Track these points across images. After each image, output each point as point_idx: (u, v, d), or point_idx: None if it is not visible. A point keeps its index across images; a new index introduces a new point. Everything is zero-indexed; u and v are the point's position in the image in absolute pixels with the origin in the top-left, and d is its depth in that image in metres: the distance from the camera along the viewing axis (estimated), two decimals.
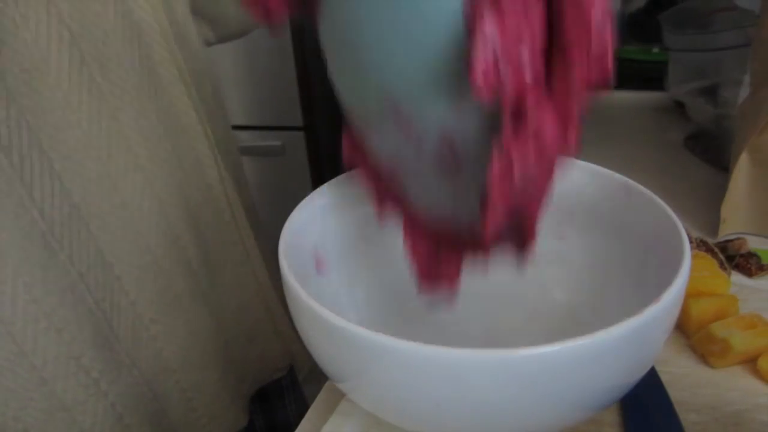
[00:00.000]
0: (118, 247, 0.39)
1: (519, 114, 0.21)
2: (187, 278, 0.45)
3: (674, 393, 0.32)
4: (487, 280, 0.31)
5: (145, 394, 0.43)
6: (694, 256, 0.31)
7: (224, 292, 0.49)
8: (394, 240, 0.31)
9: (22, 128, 0.34)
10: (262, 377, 0.56)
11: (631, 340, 0.22)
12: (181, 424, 0.47)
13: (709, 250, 0.43)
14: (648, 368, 0.26)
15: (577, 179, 0.33)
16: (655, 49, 0.92)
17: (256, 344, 0.54)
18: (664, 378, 0.33)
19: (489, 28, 0.20)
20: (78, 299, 0.38)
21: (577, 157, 0.35)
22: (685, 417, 0.31)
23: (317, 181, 1.60)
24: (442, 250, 0.29)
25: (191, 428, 0.47)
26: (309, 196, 0.33)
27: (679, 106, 0.74)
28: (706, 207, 0.51)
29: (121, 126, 0.39)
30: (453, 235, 0.28)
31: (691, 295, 0.36)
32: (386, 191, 0.30)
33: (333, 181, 0.35)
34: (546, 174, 0.23)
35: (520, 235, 0.26)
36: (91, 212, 0.38)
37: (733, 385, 0.33)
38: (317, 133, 1.61)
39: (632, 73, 0.93)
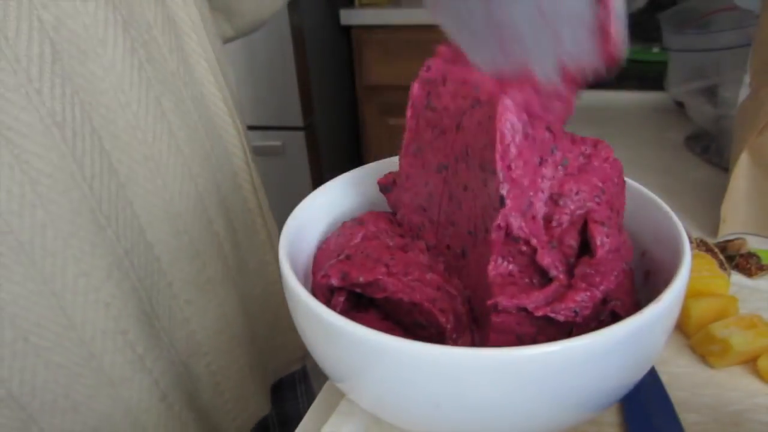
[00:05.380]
0: (158, 228, 0.40)
1: None
2: (219, 262, 0.46)
3: (674, 393, 0.32)
4: None
5: (183, 374, 0.44)
6: (694, 256, 0.31)
7: (250, 278, 0.50)
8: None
9: (75, 106, 0.35)
10: (282, 367, 0.57)
11: (631, 340, 0.22)
12: (210, 407, 0.48)
13: (709, 250, 0.43)
14: (648, 368, 0.26)
15: None
16: (655, 49, 0.92)
17: (277, 333, 0.55)
18: (664, 378, 0.33)
19: None
20: (123, 275, 0.38)
21: None
22: (685, 417, 0.31)
23: (317, 181, 1.60)
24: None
25: (219, 412, 0.49)
26: (309, 195, 0.33)
27: (679, 106, 0.74)
28: (706, 207, 0.51)
29: (164, 110, 0.40)
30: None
31: (691, 295, 0.36)
32: None
33: (333, 181, 0.35)
34: None
35: None
36: (135, 192, 0.39)
37: (733, 385, 0.33)
38: (317, 133, 1.61)
39: (632, 73, 0.93)
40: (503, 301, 0.24)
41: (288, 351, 0.57)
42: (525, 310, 0.25)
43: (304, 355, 0.59)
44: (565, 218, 0.27)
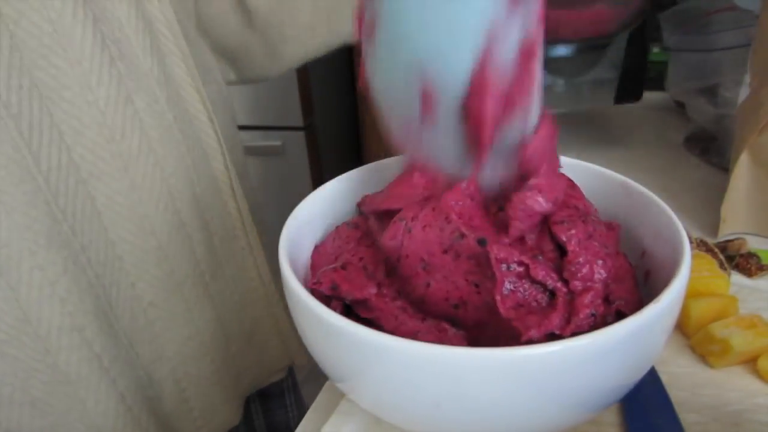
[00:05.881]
0: (123, 227, 0.40)
1: None
2: (191, 266, 0.45)
3: (674, 393, 0.32)
4: None
5: (143, 378, 0.43)
6: (694, 256, 0.31)
7: (226, 284, 0.49)
8: None
9: (33, 99, 0.35)
10: (261, 379, 0.56)
11: (631, 340, 0.22)
12: (173, 414, 0.47)
13: (709, 250, 0.43)
14: (648, 368, 0.26)
15: (577, 179, 0.33)
16: (655, 49, 0.92)
17: (255, 342, 0.53)
18: (664, 378, 0.33)
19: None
20: (80, 271, 0.38)
21: (578, 158, 0.35)
22: (685, 417, 0.31)
23: (317, 181, 1.60)
24: None
25: (183, 420, 0.47)
26: (309, 195, 0.33)
27: (679, 106, 0.74)
28: (706, 207, 0.51)
29: (137, 109, 0.39)
30: None
31: (691, 295, 0.36)
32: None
33: (333, 181, 0.35)
34: None
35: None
36: (98, 189, 0.38)
37: (733, 385, 0.33)
38: (317, 133, 1.61)
39: None
40: (535, 334, 0.24)
41: (267, 362, 0.55)
42: (552, 333, 0.25)
43: (288, 365, 0.57)
44: (531, 230, 0.27)
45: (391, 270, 0.28)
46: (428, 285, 0.27)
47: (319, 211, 0.34)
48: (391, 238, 0.28)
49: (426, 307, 0.27)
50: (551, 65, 0.58)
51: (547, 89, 0.56)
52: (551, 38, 0.52)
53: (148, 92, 0.40)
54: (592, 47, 0.58)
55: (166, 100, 0.42)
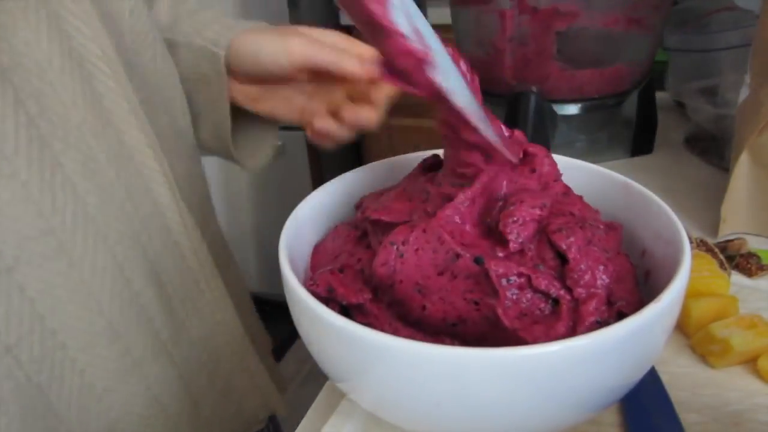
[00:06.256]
0: (64, 312, 0.35)
1: None
2: (149, 339, 0.40)
3: (674, 393, 0.32)
4: None
5: None
6: (694, 256, 0.31)
7: (192, 348, 0.44)
8: None
9: None
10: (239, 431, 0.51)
11: (631, 340, 0.22)
12: None
13: (709, 250, 0.43)
14: (648, 368, 0.26)
15: (577, 179, 0.33)
16: None
17: (231, 399, 0.49)
18: (664, 378, 0.33)
19: None
20: (4, 375, 0.33)
21: (578, 157, 0.35)
22: (685, 417, 0.31)
23: (317, 181, 1.60)
24: None
25: None
26: (309, 195, 0.33)
27: (679, 106, 0.74)
28: (706, 207, 0.51)
29: (67, 172, 0.34)
30: None
31: (691, 295, 0.36)
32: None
33: (333, 181, 0.35)
34: None
35: None
36: (28, 275, 0.33)
37: (733, 385, 0.33)
38: None
39: None
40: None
41: (246, 417, 0.51)
42: None
43: (268, 416, 0.53)
44: (530, 241, 0.27)
45: (386, 290, 0.28)
46: (424, 308, 0.26)
47: (319, 211, 0.34)
48: (382, 264, 0.27)
49: (423, 327, 0.27)
50: (572, 122, 0.62)
51: (569, 145, 0.63)
52: (576, 97, 0.59)
53: (80, 150, 0.35)
54: (608, 105, 0.62)
55: (105, 153, 0.36)
